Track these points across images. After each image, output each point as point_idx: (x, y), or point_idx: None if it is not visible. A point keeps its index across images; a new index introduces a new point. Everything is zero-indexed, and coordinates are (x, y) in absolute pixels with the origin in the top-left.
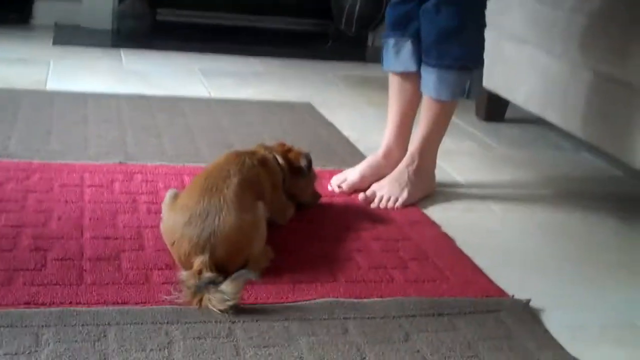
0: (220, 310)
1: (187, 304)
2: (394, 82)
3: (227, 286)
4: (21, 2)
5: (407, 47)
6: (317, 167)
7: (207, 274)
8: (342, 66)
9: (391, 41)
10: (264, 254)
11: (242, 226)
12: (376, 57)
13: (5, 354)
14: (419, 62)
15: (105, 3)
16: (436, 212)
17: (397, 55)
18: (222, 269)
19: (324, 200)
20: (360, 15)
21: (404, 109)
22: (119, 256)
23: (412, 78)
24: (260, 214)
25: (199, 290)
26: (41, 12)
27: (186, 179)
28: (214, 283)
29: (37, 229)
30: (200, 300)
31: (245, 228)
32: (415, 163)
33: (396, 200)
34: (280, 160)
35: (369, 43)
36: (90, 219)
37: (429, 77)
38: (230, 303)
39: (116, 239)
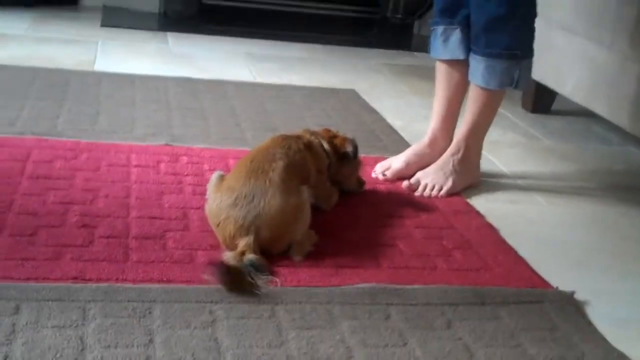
0: (258, 292)
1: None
2: (441, 69)
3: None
4: None
5: (456, 34)
6: (361, 154)
7: (250, 256)
8: (387, 54)
9: (439, 28)
10: (308, 237)
11: (286, 209)
12: (422, 46)
13: (53, 327)
14: (468, 50)
15: None
16: (480, 202)
17: (445, 42)
18: (266, 251)
19: (367, 187)
20: (407, 1)
21: (450, 98)
22: (165, 236)
23: (460, 66)
24: (305, 197)
25: (242, 270)
26: None
27: (231, 162)
28: (255, 266)
29: (84, 206)
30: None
31: (290, 211)
32: (461, 152)
33: (440, 188)
34: (325, 145)
35: (415, 31)
36: (136, 199)
37: (477, 66)
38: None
39: (162, 219)
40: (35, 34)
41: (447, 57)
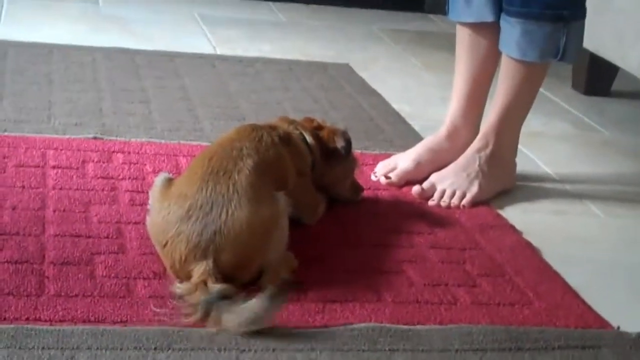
0: (241, 333)
1: (189, 325)
2: (463, 37)
3: (255, 304)
4: None
5: None
6: (357, 150)
7: (216, 286)
8: (391, 17)
9: None
10: (284, 261)
11: (256, 223)
12: (436, 6)
13: None
14: (498, 10)
15: None
16: (516, 214)
17: (470, 1)
18: (229, 279)
19: (366, 193)
20: None
21: (476, 74)
22: (92, 260)
23: (488, 32)
24: (281, 208)
25: (209, 307)
26: None
27: (182, 160)
28: (227, 298)
29: None
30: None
31: (260, 226)
32: (490, 147)
33: (463, 196)
34: (309, 139)
35: None
36: (54, 211)
37: (511, 31)
38: (257, 326)
39: (89, 237)
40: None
41: (471, 19)
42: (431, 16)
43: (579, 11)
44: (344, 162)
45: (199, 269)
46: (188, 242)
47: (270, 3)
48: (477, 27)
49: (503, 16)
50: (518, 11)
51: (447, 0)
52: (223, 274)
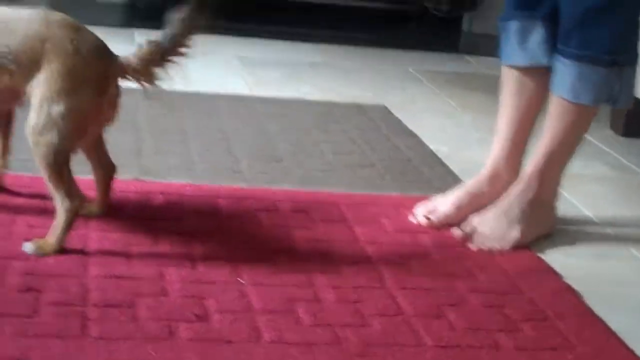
0: None
1: None
2: (511, 79)
3: None
4: None
5: (538, 31)
6: (396, 192)
7: None
8: (428, 57)
9: (514, 25)
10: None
11: None
12: (473, 47)
13: None
14: (551, 52)
15: None
16: (557, 258)
17: (523, 43)
18: None
19: (404, 236)
20: None
21: (521, 116)
22: (135, 302)
23: (539, 74)
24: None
25: None
26: None
27: (222, 202)
28: None
29: (28, 263)
30: None
31: None
32: (533, 191)
33: (504, 239)
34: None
35: (465, 27)
36: (96, 253)
37: (566, 72)
38: None
39: (131, 279)
40: None
41: (525, 62)
42: (466, 57)
43: (633, 57)
44: None
45: None
46: None
47: (307, 44)
48: (528, 70)
49: (558, 58)
50: (574, 53)
51: (499, 44)
52: None
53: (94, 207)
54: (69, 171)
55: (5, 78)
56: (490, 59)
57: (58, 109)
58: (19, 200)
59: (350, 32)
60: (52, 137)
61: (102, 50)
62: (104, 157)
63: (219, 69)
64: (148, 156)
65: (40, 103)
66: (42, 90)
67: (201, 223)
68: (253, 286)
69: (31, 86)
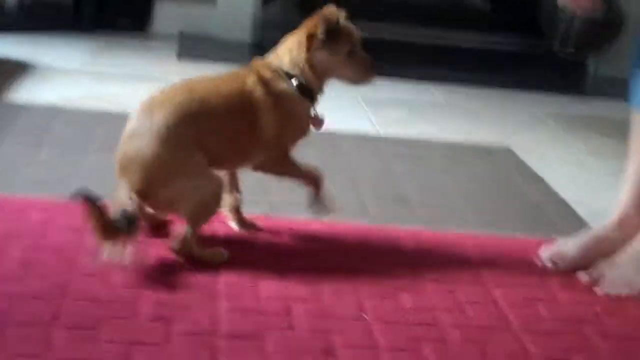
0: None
1: None
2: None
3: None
4: (139, 5)
5: None
6: (521, 234)
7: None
8: (553, 100)
9: None
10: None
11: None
12: (599, 89)
13: None
14: None
15: (243, 8)
16: None
17: None
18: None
19: (529, 279)
20: (580, 31)
21: None
22: (263, 335)
23: None
24: (194, 161)
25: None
26: (163, 17)
27: (347, 239)
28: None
29: (160, 293)
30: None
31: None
32: None
33: (633, 285)
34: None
35: (591, 70)
36: (225, 284)
37: None
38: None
39: (259, 313)
40: (95, 69)
41: None
42: (591, 99)
43: None
44: None
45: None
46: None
47: (430, 85)
48: None
49: None
50: None
51: (629, 88)
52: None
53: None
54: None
55: None
56: (616, 103)
57: None
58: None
59: (473, 73)
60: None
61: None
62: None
63: (343, 108)
64: (276, 193)
65: None
66: None
67: (327, 259)
68: (378, 323)
69: None
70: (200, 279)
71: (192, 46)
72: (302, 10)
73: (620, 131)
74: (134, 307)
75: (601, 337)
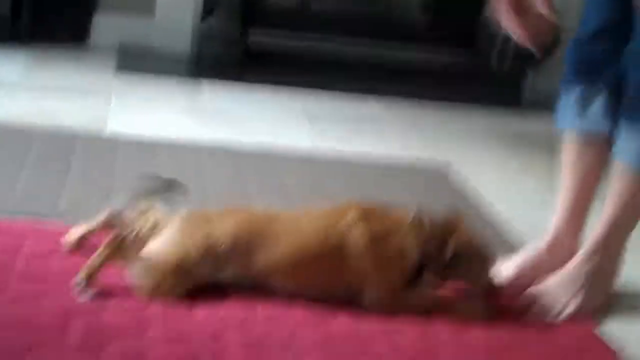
0: None
1: None
2: (572, 146)
3: None
4: (78, 16)
5: (601, 100)
6: None
7: None
8: (490, 115)
9: (576, 91)
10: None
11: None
12: (536, 105)
13: None
14: (615, 120)
15: (183, 20)
16: (618, 326)
17: (585, 110)
18: None
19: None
20: (518, 46)
21: (582, 184)
22: None
23: (600, 141)
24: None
25: None
26: (101, 29)
27: None
28: None
29: (89, 316)
30: None
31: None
32: (596, 261)
33: (564, 310)
34: None
35: (528, 84)
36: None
37: (631, 140)
38: None
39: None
40: (31, 82)
41: (586, 129)
42: (528, 114)
43: None
44: None
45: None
46: None
47: (368, 98)
48: (589, 136)
49: (624, 126)
50: None
51: (555, 108)
52: None
53: None
54: None
55: None
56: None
57: None
58: None
59: (412, 86)
60: None
61: None
62: None
63: (286, 122)
64: None
65: None
66: None
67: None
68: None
69: None
70: (131, 304)
71: (131, 58)
72: (243, 23)
73: (555, 145)
74: (61, 333)
75: None
